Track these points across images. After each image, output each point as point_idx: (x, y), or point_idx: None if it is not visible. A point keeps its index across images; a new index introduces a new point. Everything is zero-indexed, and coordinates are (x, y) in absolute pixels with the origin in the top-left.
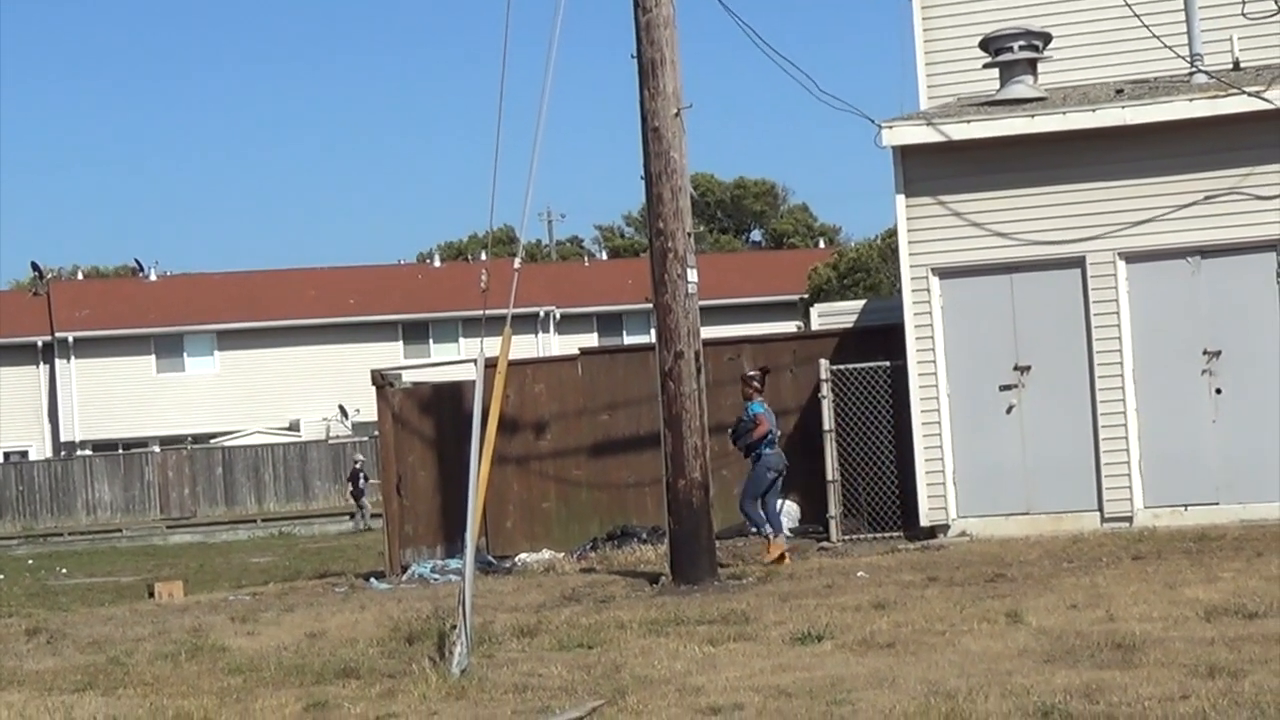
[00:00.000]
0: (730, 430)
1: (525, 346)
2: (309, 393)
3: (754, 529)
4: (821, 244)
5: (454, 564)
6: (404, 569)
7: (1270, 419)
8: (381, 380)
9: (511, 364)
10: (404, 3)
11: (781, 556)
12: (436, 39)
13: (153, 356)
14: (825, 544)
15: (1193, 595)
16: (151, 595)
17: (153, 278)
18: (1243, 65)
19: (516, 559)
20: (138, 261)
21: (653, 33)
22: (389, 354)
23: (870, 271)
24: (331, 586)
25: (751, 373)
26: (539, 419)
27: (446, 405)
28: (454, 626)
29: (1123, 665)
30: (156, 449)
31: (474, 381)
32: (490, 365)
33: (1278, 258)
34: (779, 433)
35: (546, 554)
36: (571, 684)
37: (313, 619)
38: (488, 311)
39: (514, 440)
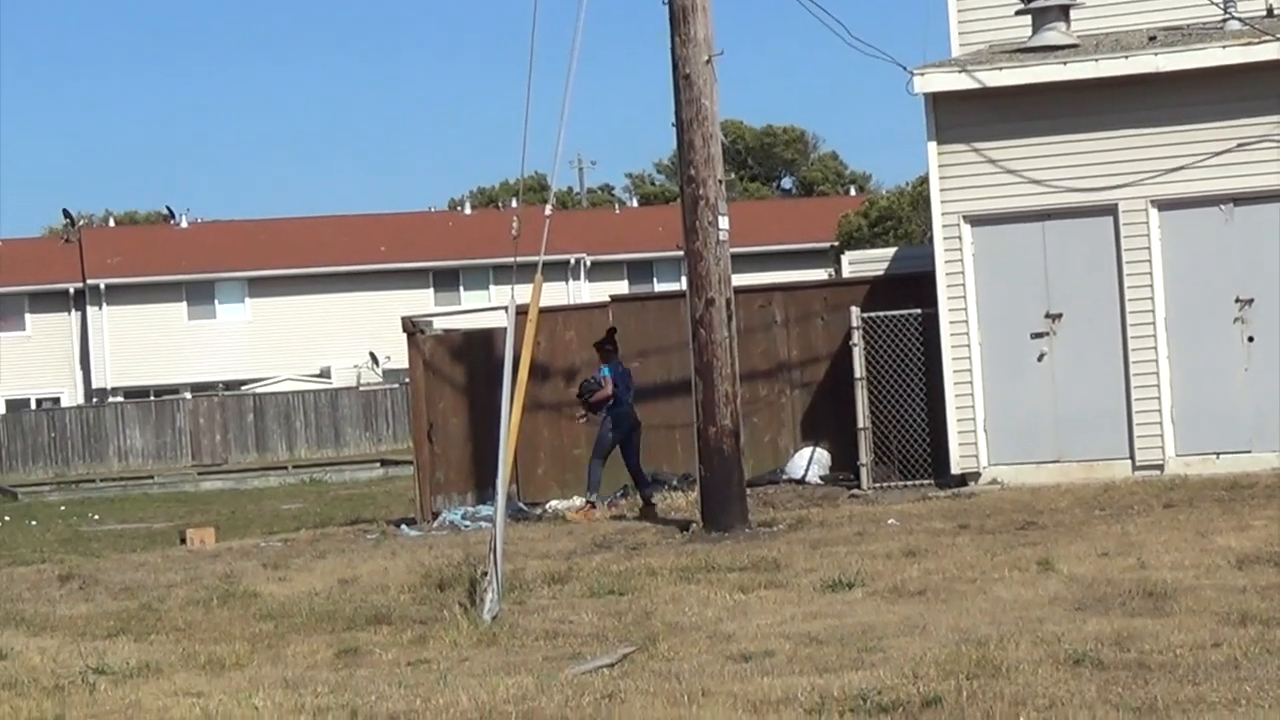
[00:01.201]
0: (579, 388)
1: (556, 294)
2: (340, 340)
3: (590, 489)
4: (852, 192)
5: (485, 511)
6: (435, 516)
7: None
8: (412, 327)
9: (542, 311)
10: None
11: (581, 513)
12: None
13: (184, 303)
14: (856, 491)
15: (1224, 543)
16: (183, 541)
17: (184, 224)
18: (1276, 12)
19: (548, 506)
20: (169, 208)
21: None
22: (420, 301)
23: (901, 219)
24: (363, 533)
25: (604, 337)
26: (570, 366)
27: (478, 352)
28: (485, 573)
29: (1154, 613)
30: (188, 396)
31: (505, 328)
32: (521, 312)
33: None
34: (629, 394)
35: (578, 501)
36: (602, 631)
37: (344, 565)
38: (519, 259)
39: (545, 387)
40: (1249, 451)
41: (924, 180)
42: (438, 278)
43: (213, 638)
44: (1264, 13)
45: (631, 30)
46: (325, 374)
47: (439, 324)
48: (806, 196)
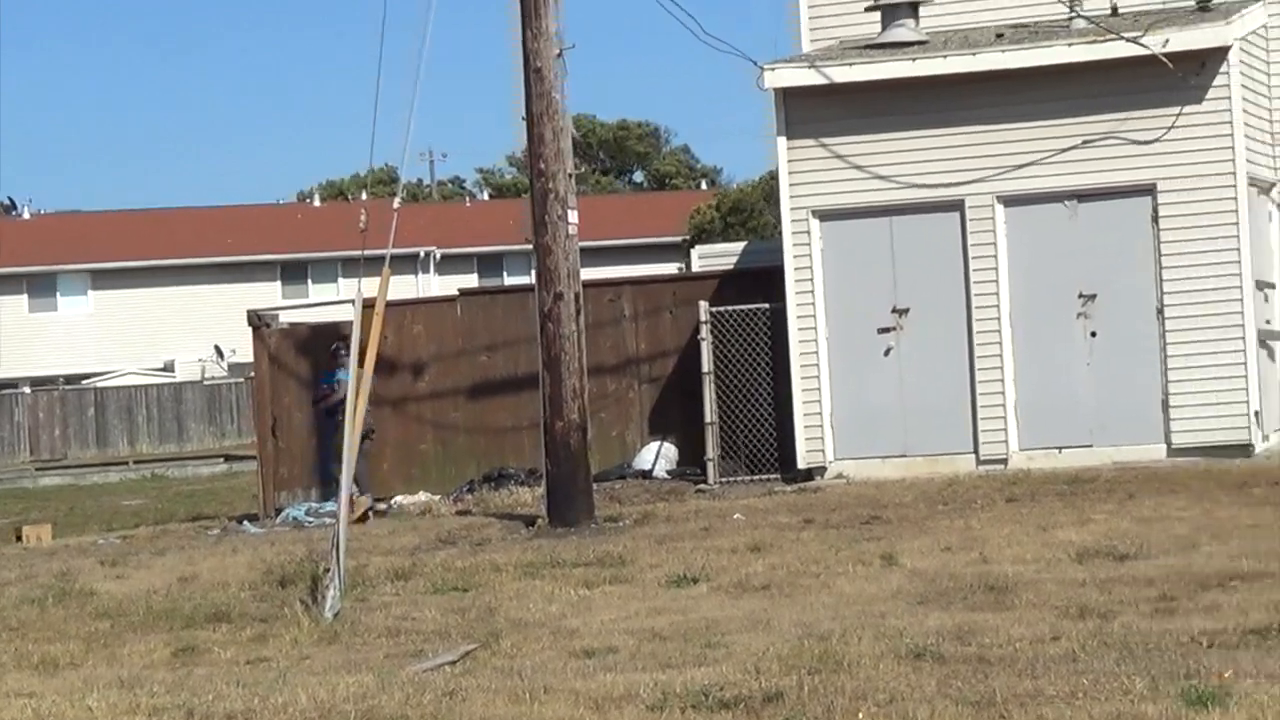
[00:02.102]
0: (315, 392)
1: (405, 287)
2: (185, 333)
3: (361, 490)
4: (703, 186)
5: (329, 507)
6: (278, 512)
7: (1142, 362)
8: (258, 320)
9: (390, 304)
10: None
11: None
12: None
13: (25, 296)
14: (703, 486)
15: (1065, 537)
16: (19, 539)
17: (25, 216)
18: (1121, 10)
19: (393, 501)
20: (10, 199)
21: None
22: (267, 294)
23: (752, 213)
24: (204, 530)
25: (336, 343)
26: (417, 360)
27: (324, 346)
28: (327, 570)
29: (995, 607)
30: (27, 390)
31: (352, 322)
32: (368, 306)
33: (1153, 202)
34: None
35: (423, 496)
36: (445, 627)
37: (184, 562)
38: (367, 252)
39: (392, 381)
40: (1090, 446)
41: (774, 175)
42: (285, 271)
43: (47, 637)
44: (1109, 11)
45: (483, 23)
46: (169, 368)
47: (285, 317)
48: (658, 190)
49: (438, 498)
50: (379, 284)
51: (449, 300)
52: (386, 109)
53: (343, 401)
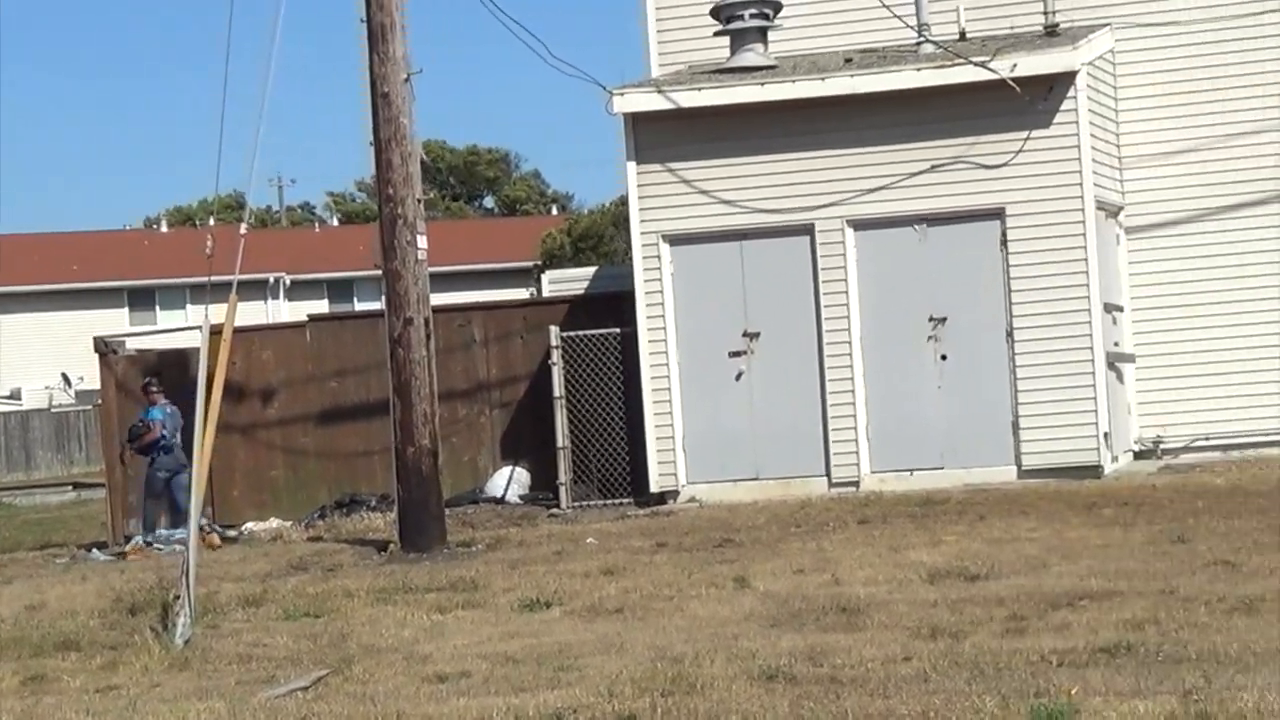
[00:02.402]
0: (128, 432)
1: (255, 313)
2: (31, 361)
3: (145, 530)
4: (554, 211)
5: (179, 534)
6: (128, 539)
7: (993, 384)
8: (104, 347)
9: (238, 331)
10: None
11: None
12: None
13: None
14: (555, 510)
15: (916, 558)
16: None
17: None
18: (969, 35)
19: (243, 528)
20: None
21: None
22: (114, 321)
23: (603, 239)
24: (52, 558)
25: (148, 379)
26: (266, 386)
27: (172, 373)
28: (177, 597)
29: (847, 628)
30: None
31: (199, 349)
32: (215, 332)
33: (1002, 226)
34: (176, 436)
35: (274, 523)
36: (297, 653)
37: (32, 591)
38: (214, 278)
39: (241, 408)
40: (942, 468)
41: (625, 200)
42: (133, 297)
43: None
44: (957, 36)
45: (332, 47)
46: (16, 395)
47: (133, 344)
48: (509, 216)
49: (289, 524)
50: (226, 310)
51: (298, 326)
52: (233, 134)
53: (155, 443)
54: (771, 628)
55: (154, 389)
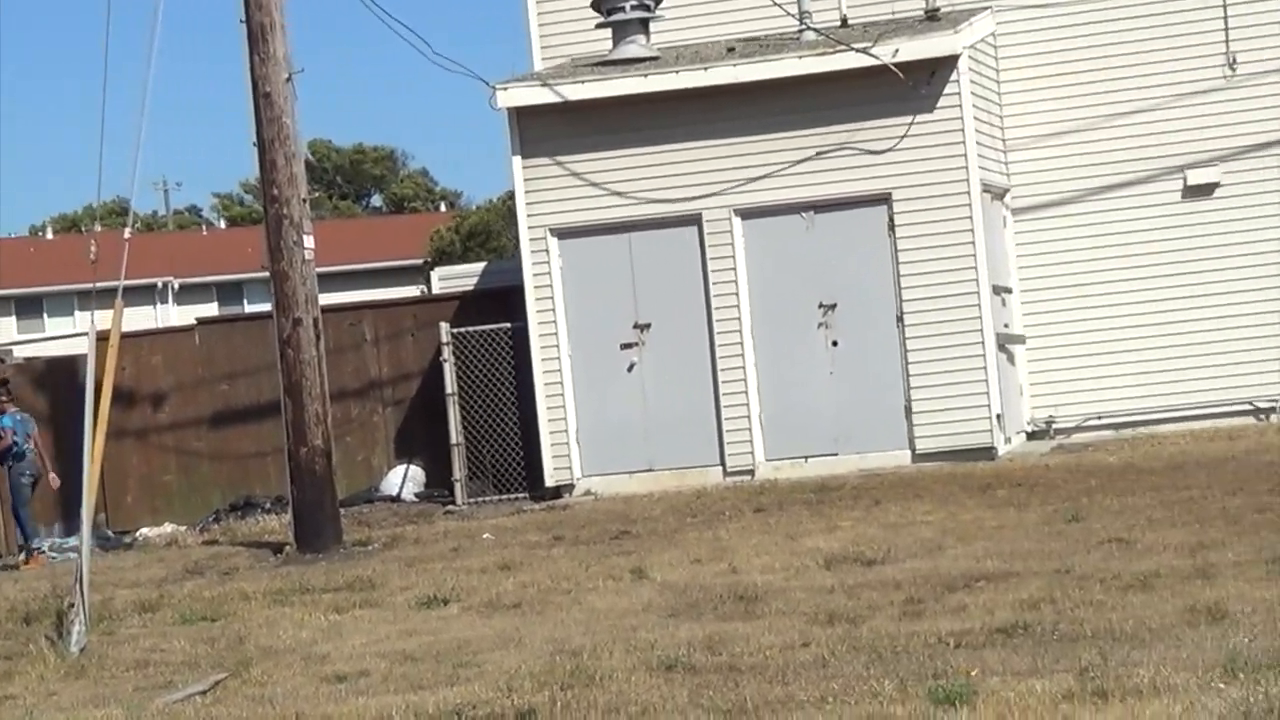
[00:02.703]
0: None
1: (143, 318)
2: None
3: (27, 538)
4: (442, 208)
5: (73, 541)
6: (21, 550)
7: (884, 369)
8: None
9: (127, 336)
10: None
11: (29, 562)
12: (40, 4)
13: None
14: (451, 508)
15: (813, 545)
16: None
17: None
18: (851, 22)
19: (138, 534)
20: None
21: None
22: (2, 329)
23: (492, 234)
24: None
25: None
26: (157, 391)
27: (61, 380)
28: (71, 605)
29: (745, 616)
30: None
31: (85, 356)
32: (103, 338)
33: (889, 211)
34: (29, 443)
35: (169, 528)
36: (195, 658)
37: None
38: (99, 284)
39: (132, 413)
40: (836, 454)
41: (512, 195)
42: (20, 305)
43: None
44: (839, 23)
45: (213, 49)
46: None
47: (20, 352)
48: (397, 214)
49: (184, 528)
50: (113, 315)
51: (187, 330)
52: (117, 138)
53: (7, 450)
54: (670, 618)
55: (4, 397)
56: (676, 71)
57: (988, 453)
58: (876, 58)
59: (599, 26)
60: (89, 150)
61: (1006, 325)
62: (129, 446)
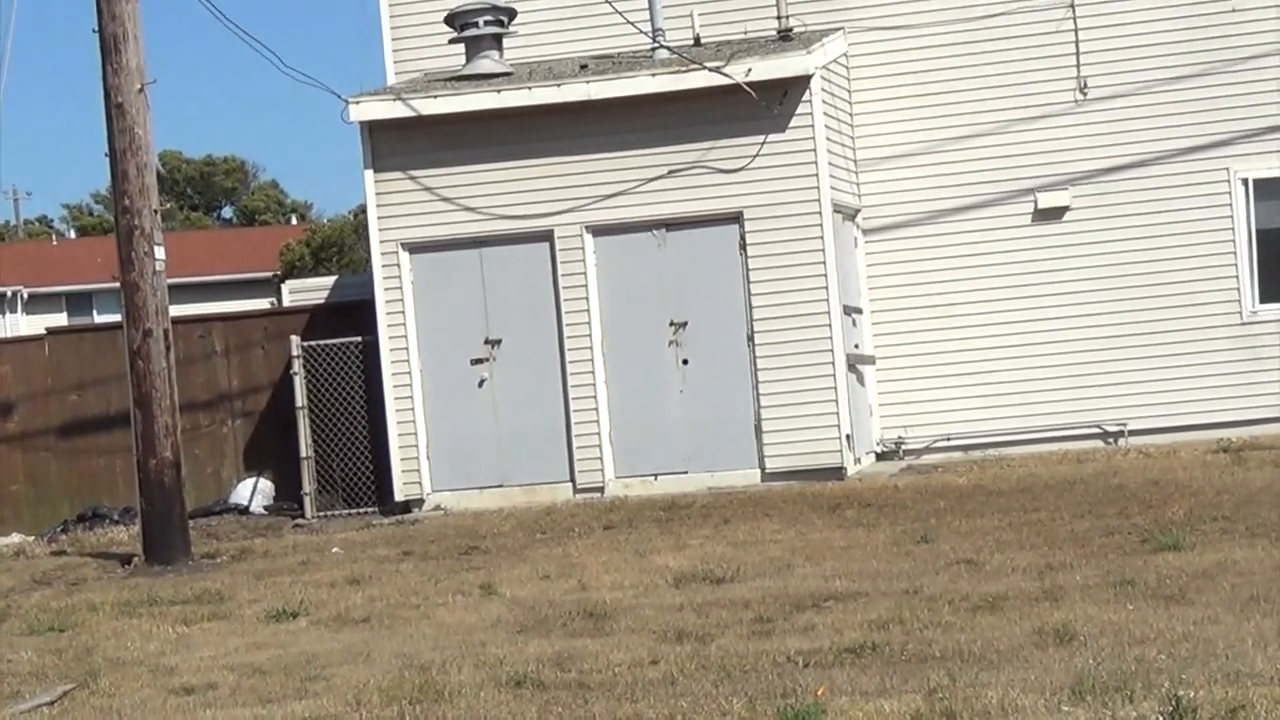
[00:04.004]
0: None
1: None
2: None
3: None
4: (294, 220)
5: None
6: None
7: (735, 388)
8: None
9: None
10: None
11: None
12: None
13: None
14: (300, 521)
15: (662, 563)
16: None
17: None
18: (704, 41)
19: None
20: None
21: (114, 6)
22: None
23: (344, 247)
24: None
25: None
26: (5, 400)
27: None
28: None
29: (594, 633)
30: None
31: None
32: None
33: (740, 229)
34: None
35: (16, 538)
36: (42, 668)
37: None
38: None
39: None
40: (686, 472)
41: (364, 209)
42: None
43: None
44: (692, 41)
45: (66, 59)
46: None
47: None
48: (248, 226)
49: (31, 539)
50: None
51: (36, 340)
52: None
53: None
54: (519, 634)
55: None
56: (530, 88)
57: (837, 473)
58: (729, 77)
59: (452, 41)
60: None
61: (857, 345)
62: None
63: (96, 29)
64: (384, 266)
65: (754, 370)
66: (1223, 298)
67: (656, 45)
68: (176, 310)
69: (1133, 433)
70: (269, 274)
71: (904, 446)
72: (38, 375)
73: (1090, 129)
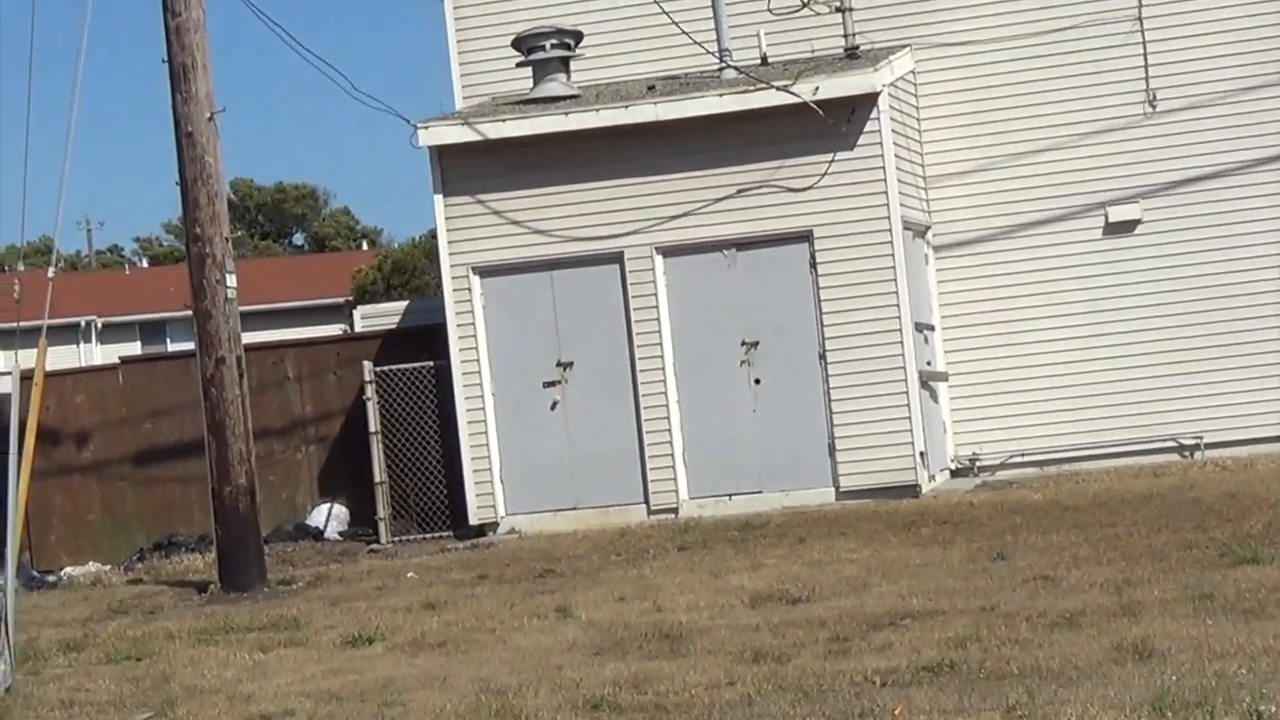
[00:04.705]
0: None
1: (67, 357)
2: None
3: None
4: (365, 246)
5: None
6: None
7: (807, 406)
8: None
9: (51, 375)
10: None
11: None
12: None
13: None
14: (375, 546)
15: (738, 583)
16: None
17: None
18: (770, 60)
19: (62, 573)
20: None
21: (183, 37)
22: None
23: (415, 272)
24: None
25: None
26: (81, 430)
27: None
28: None
29: (670, 655)
30: None
31: (10, 395)
32: (27, 377)
33: (810, 248)
34: None
35: (93, 567)
36: (120, 697)
37: None
38: (22, 323)
39: (56, 452)
40: (760, 492)
41: (434, 233)
42: None
43: None
44: (759, 61)
45: (138, 89)
46: None
47: None
48: (319, 252)
49: (108, 568)
50: (37, 354)
51: (110, 369)
52: (40, 179)
53: None
54: (595, 657)
55: None
56: (597, 110)
57: (912, 490)
58: (797, 95)
59: (520, 65)
60: (11, 191)
61: (929, 362)
62: (53, 486)
63: (166, 59)
64: (455, 290)
65: (826, 389)
66: None
67: (724, 65)
68: (249, 337)
69: (1209, 446)
70: (340, 300)
71: (978, 463)
72: (112, 404)
73: (1160, 141)
